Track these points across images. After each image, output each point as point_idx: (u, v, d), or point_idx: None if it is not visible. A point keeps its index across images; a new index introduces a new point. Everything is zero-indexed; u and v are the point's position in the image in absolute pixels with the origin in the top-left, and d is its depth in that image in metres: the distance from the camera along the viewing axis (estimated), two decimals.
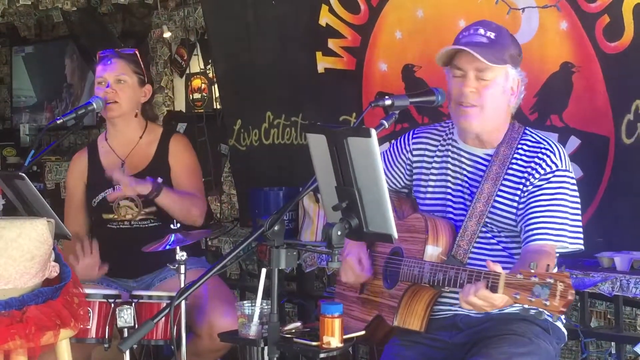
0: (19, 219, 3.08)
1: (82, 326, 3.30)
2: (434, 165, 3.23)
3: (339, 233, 2.68)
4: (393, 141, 3.40)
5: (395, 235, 2.66)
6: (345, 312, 3.29)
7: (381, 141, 2.66)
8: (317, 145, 2.76)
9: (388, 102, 2.96)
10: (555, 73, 3.63)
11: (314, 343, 3.05)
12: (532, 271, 2.47)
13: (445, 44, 3.95)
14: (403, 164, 3.33)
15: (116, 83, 4.17)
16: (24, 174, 3.62)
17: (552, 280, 2.43)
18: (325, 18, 4.54)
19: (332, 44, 4.53)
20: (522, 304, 2.50)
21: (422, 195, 3.26)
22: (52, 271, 3.10)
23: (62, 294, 3.08)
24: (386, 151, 3.40)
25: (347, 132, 2.68)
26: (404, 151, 3.32)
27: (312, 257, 4.42)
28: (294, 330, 3.19)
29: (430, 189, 3.23)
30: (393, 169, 3.35)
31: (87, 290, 3.47)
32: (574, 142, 3.59)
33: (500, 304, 2.61)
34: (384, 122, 2.89)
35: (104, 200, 4.15)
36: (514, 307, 3.00)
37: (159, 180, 4.00)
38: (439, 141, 3.25)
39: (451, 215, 3.14)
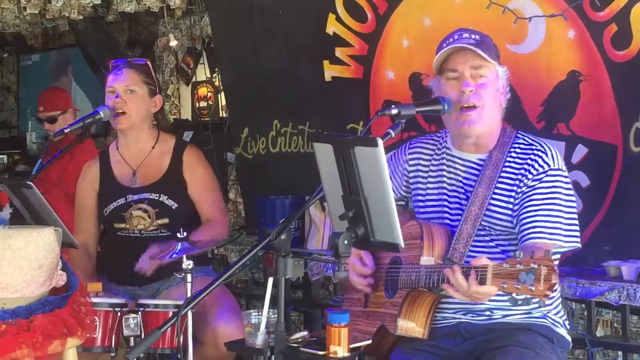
0: (26, 228, 3.09)
1: (88, 335, 3.30)
2: (430, 173, 3.26)
3: (346, 242, 2.68)
4: (390, 153, 3.41)
5: (402, 243, 2.67)
6: (352, 328, 3.29)
7: (387, 150, 2.66)
8: (324, 154, 2.77)
9: (394, 111, 2.97)
10: (562, 81, 3.63)
11: (321, 352, 3.05)
12: (518, 259, 2.50)
13: None
14: (399, 175, 3.36)
15: (125, 93, 4.16)
16: (31, 183, 3.63)
17: (535, 265, 2.46)
18: (332, 27, 4.54)
19: (339, 52, 4.54)
20: (510, 292, 2.51)
21: (421, 204, 3.27)
22: (59, 280, 3.10)
23: (69, 303, 3.08)
24: None
25: (354, 142, 2.68)
26: (401, 161, 3.36)
27: (318, 266, 4.41)
28: (300, 340, 3.19)
29: (428, 197, 3.25)
30: (391, 181, 3.35)
31: (94, 299, 3.47)
32: (581, 150, 3.59)
33: (489, 293, 2.64)
34: (391, 131, 2.90)
35: (116, 210, 4.16)
36: (516, 315, 3.04)
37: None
38: (434, 150, 3.28)
39: (448, 221, 3.16)
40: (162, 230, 4.10)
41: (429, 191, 3.25)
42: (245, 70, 5.18)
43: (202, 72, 6.80)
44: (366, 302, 3.32)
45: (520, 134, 3.14)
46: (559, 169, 3.02)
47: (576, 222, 3.00)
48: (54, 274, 3.06)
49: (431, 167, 3.26)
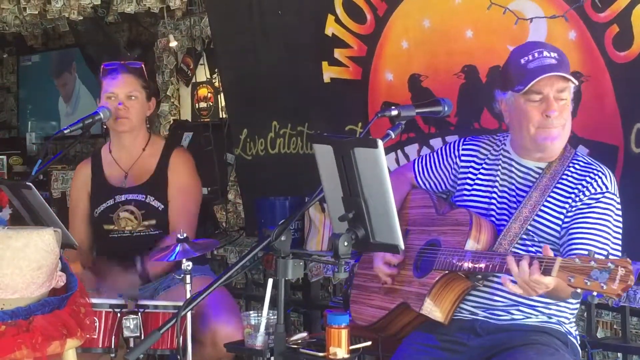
0: (26, 229, 3.08)
1: (88, 336, 3.29)
2: (482, 171, 3.27)
3: (346, 244, 2.68)
4: (442, 146, 3.46)
5: (402, 246, 2.67)
6: (363, 302, 3.31)
7: (387, 151, 2.67)
8: (324, 155, 2.76)
9: (394, 112, 2.98)
10: None
11: (321, 354, 3.05)
12: (591, 257, 2.52)
13: (452, 54, 3.98)
14: (449, 169, 3.37)
15: (128, 100, 4.18)
16: (30, 183, 3.63)
17: (612, 266, 2.48)
18: (331, 28, 4.53)
19: (338, 53, 4.53)
20: (577, 287, 2.53)
21: (465, 198, 3.29)
22: (59, 281, 3.10)
23: (68, 304, 3.08)
24: (432, 154, 3.45)
25: (354, 143, 2.68)
26: (452, 156, 3.36)
27: (317, 267, 4.41)
28: (300, 341, 3.19)
29: (474, 192, 3.27)
30: (438, 173, 3.40)
31: (93, 300, 3.46)
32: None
33: (546, 285, 2.66)
34: (391, 132, 2.91)
35: (105, 211, 4.18)
36: (535, 319, 3.07)
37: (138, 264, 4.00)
38: (489, 151, 3.30)
39: (493, 219, 3.17)
40: (152, 230, 4.12)
41: (475, 187, 3.27)
42: (244, 71, 5.18)
43: (202, 73, 6.80)
44: None
45: (579, 153, 3.18)
46: (614, 194, 3.05)
47: (620, 248, 3.03)
48: (53, 275, 3.06)
49: (484, 166, 3.28)
